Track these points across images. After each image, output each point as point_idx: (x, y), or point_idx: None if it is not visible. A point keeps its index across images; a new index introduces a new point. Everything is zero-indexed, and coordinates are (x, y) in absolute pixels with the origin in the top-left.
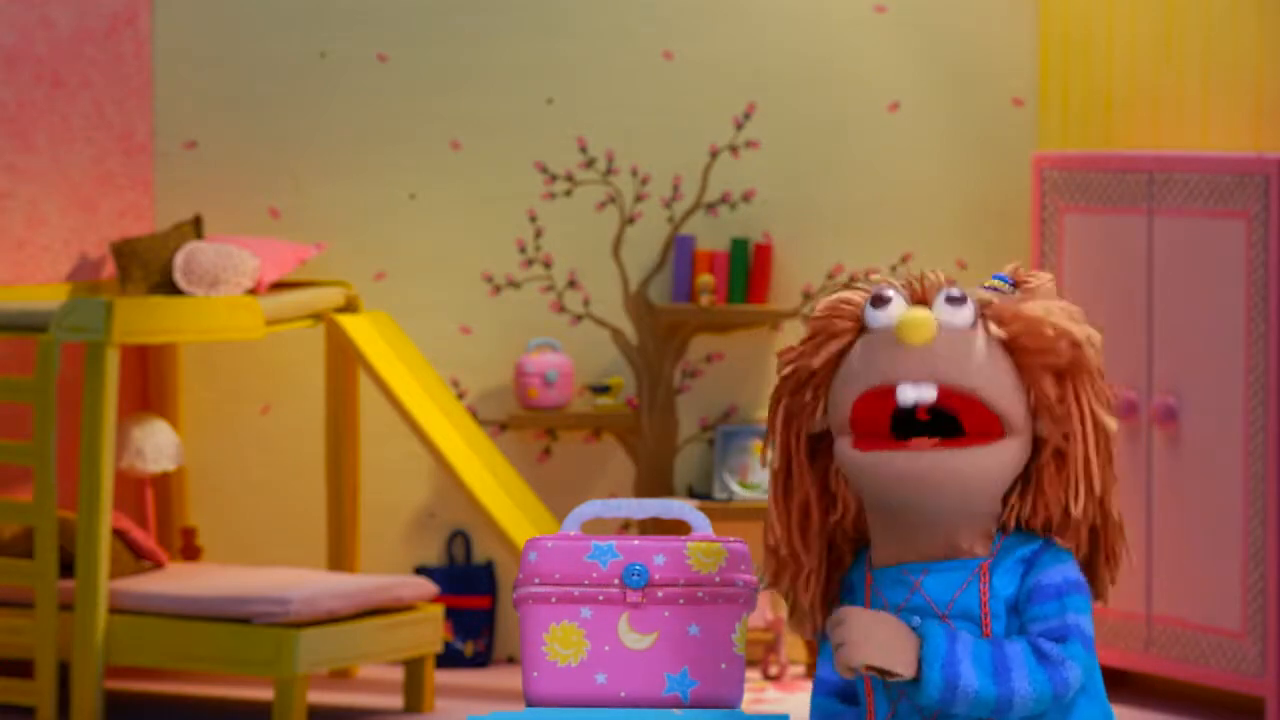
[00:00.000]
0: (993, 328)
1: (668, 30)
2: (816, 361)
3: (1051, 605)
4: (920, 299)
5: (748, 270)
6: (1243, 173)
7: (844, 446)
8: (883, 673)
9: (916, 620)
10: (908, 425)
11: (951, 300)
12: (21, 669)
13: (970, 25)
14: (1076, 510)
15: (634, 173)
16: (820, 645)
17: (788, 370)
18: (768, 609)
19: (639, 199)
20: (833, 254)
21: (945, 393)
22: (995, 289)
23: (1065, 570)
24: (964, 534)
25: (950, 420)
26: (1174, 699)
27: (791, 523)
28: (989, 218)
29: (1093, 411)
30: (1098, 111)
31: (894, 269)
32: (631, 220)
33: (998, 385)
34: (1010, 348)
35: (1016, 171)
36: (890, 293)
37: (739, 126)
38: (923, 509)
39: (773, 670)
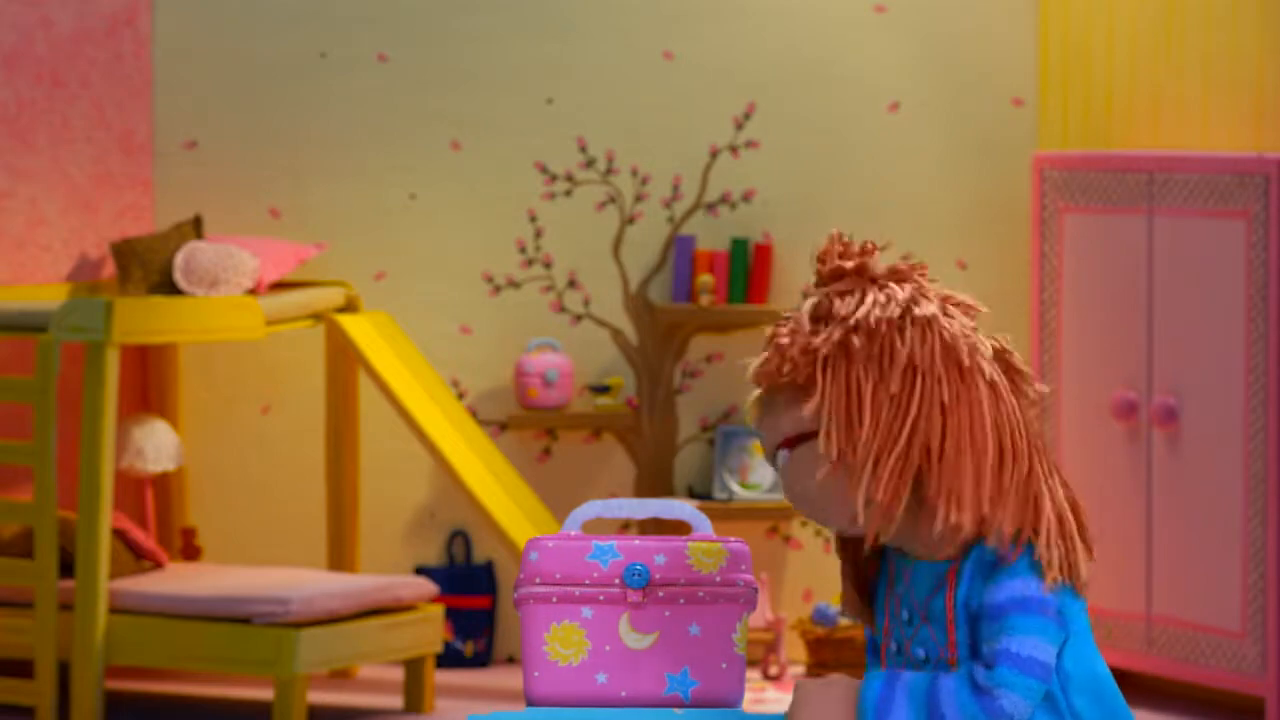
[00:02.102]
0: (756, 375)
1: (668, 30)
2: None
3: (991, 627)
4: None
5: (748, 270)
6: (1243, 173)
7: None
8: None
9: (906, 614)
10: None
11: (754, 376)
12: (21, 669)
13: (970, 25)
14: (820, 470)
15: (634, 173)
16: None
17: None
18: (768, 609)
19: (639, 199)
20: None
21: (787, 443)
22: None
23: (1014, 586)
24: (920, 538)
25: None
26: (1174, 699)
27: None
28: (989, 218)
29: (829, 363)
30: (1098, 111)
31: None
32: (631, 220)
33: (791, 420)
34: (782, 381)
35: (1016, 171)
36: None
37: (739, 126)
38: (814, 516)
39: (773, 670)
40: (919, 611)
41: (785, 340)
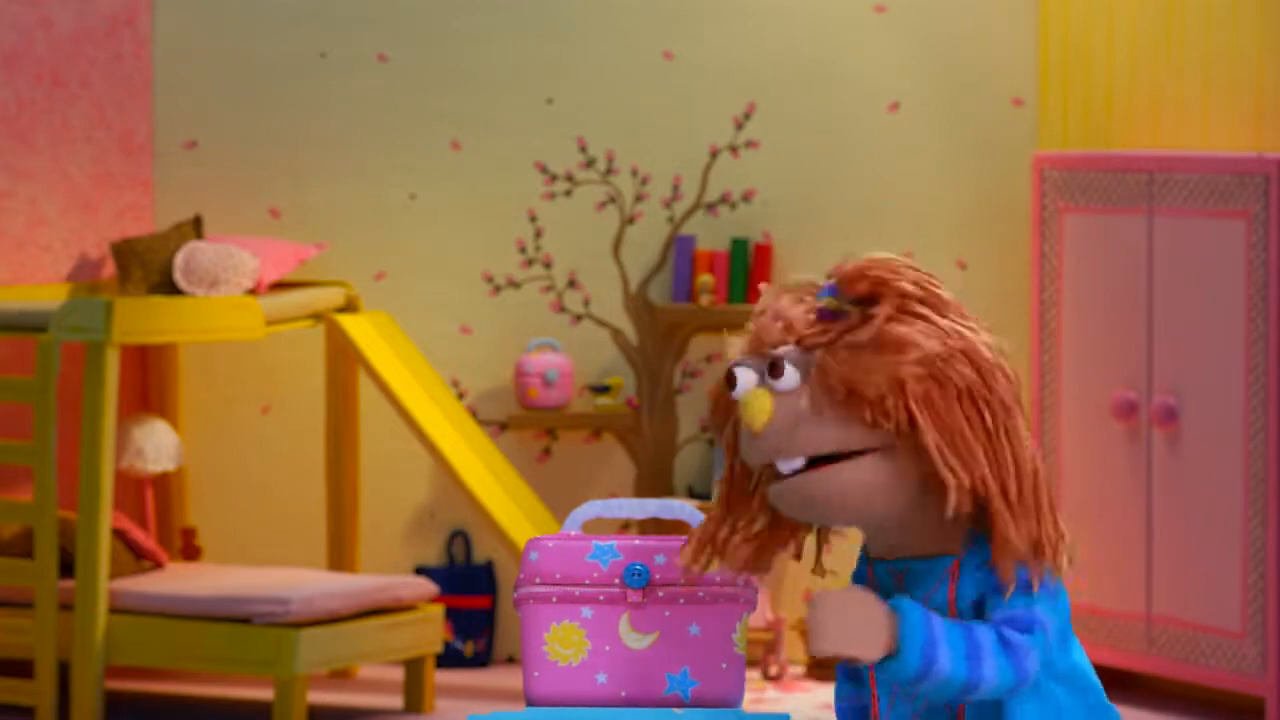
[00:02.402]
0: (822, 382)
1: (668, 30)
2: (722, 442)
3: (1017, 599)
4: (763, 353)
5: (748, 270)
6: (1243, 173)
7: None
8: (851, 660)
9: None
10: None
11: (773, 371)
12: (21, 669)
13: (970, 25)
14: (949, 505)
15: (634, 173)
16: (837, 673)
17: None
18: (768, 609)
19: (639, 199)
20: (833, 254)
21: (806, 455)
22: (827, 311)
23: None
24: (930, 535)
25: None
26: (1174, 699)
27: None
28: (989, 218)
29: (926, 400)
30: (1098, 111)
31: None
32: (631, 220)
33: (844, 435)
34: (846, 392)
35: (1016, 171)
36: (737, 371)
37: (739, 126)
38: (836, 523)
39: (773, 670)
40: None
41: (843, 351)
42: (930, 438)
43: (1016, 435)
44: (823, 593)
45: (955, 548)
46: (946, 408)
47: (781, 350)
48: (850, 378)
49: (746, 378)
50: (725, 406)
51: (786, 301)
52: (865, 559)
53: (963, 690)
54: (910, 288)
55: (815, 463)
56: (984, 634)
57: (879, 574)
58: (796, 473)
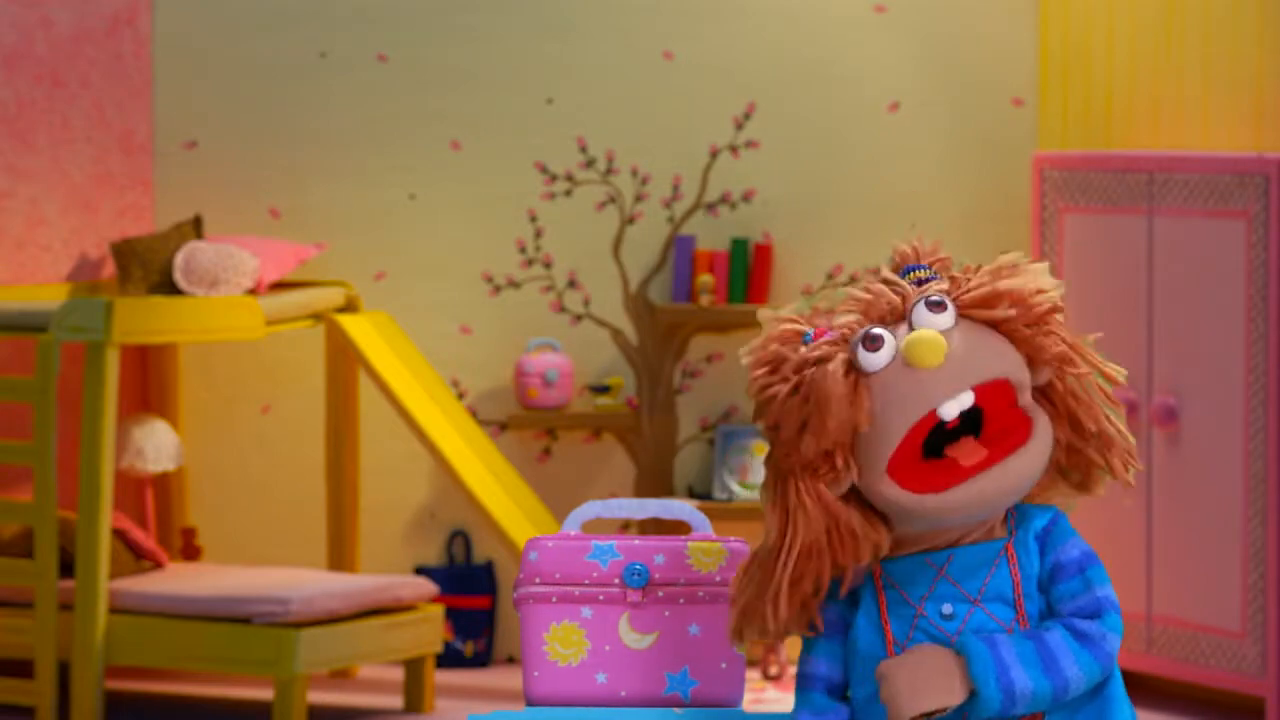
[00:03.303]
0: (979, 312)
1: (668, 30)
2: (840, 435)
3: (1076, 582)
4: (889, 318)
5: (748, 270)
6: (1243, 173)
7: (889, 491)
8: (935, 712)
9: (949, 608)
10: (940, 437)
11: (933, 307)
12: (21, 669)
13: (970, 25)
14: (1090, 441)
15: (634, 173)
16: (807, 641)
17: (823, 442)
18: None
19: (639, 199)
20: (833, 254)
21: (978, 390)
22: (923, 280)
23: (1078, 544)
24: (994, 517)
25: (975, 411)
26: (1174, 699)
27: (804, 597)
28: (989, 218)
29: (1071, 343)
30: (1098, 111)
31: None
32: (631, 220)
33: (1010, 360)
34: (998, 325)
35: (1016, 171)
36: (877, 331)
37: (739, 126)
38: (978, 518)
39: (773, 670)
40: (972, 599)
41: (1016, 284)
42: (1081, 364)
43: None
44: (888, 662)
45: (1002, 530)
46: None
47: (933, 294)
48: (1010, 298)
49: (888, 334)
50: (859, 397)
51: (870, 285)
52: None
53: (1055, 697)
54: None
55: (966, 424)
56: (1055, 637)
57: (904, 568)
58: (963, 429)
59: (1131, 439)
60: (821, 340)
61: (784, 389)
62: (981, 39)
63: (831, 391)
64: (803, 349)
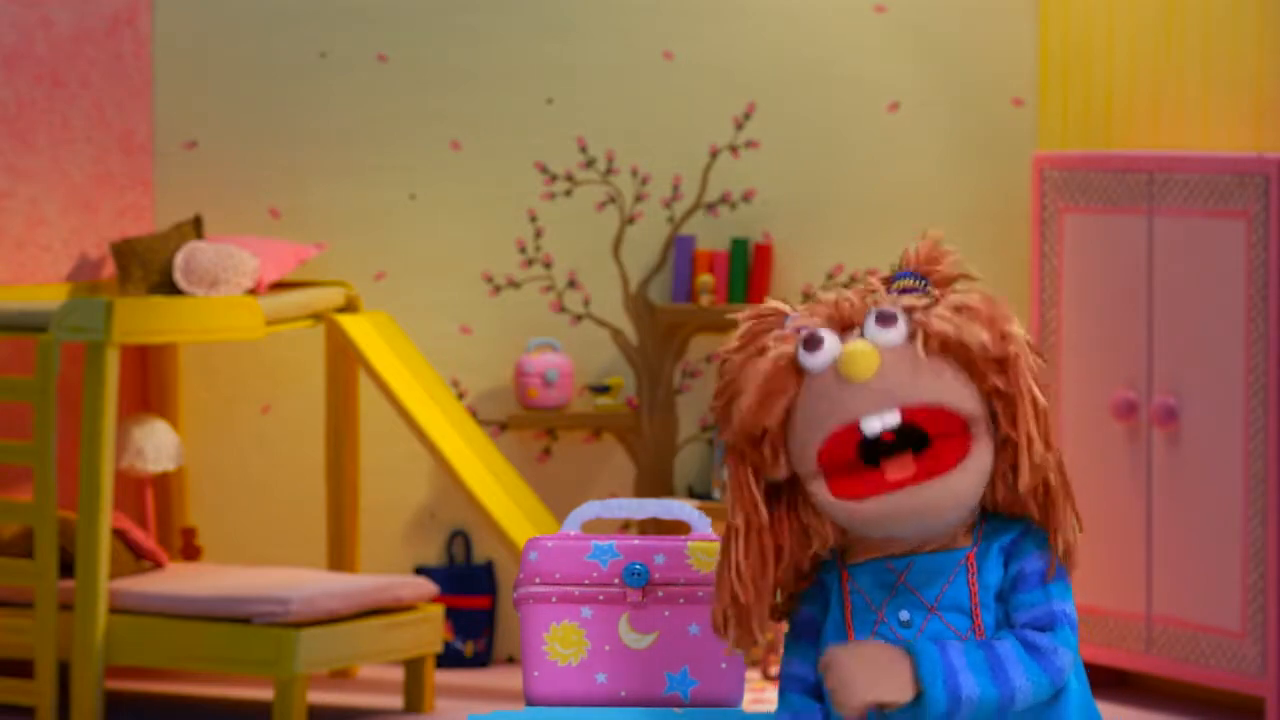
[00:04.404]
0: (928, 334)
1: (668, 30)
2: (770, 421)
3: (1037, 594)
4: (847, 323)
5: (748, 270)
6: (1243, 173)
7: (820, 491)
8: (884, 705)
9: (905, 615)
10: (875, 449)
11: (883, 320)
12: (21, 669)
13: (970, 25)
14: (1024, 485)
15: (634, 173)
16: (787, 641)
17: (738, 424)
18: None
19: (639, 199)
20: (833, 254)
21: (907, 411)
22: (908, 289)
23: (1046, 556)
24: (955, 527)
25: (916, 430)
26: (1174, 699)
27: (757, 575)
28: (989, 218)
29: (1030, 391)
30: (1098, 111)
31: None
32: (631, 220)
33: (953, 391)
34: (950, 349)
35: (1016, 171)
36: (821, 334)
37: (739, 126)
38: (910, 532)
39: (773, 670)
40: (929, 606)
41: (981, 307)
42: (1027, 399)
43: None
44: (835, 650)
45: (966, 539)
46: (1033, 375)
47: (886, 307)
48: (963, 329)
49: (832, 339)
50: (779, 389)
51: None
52: (835, 566)
53: (1001, 706)
54: (975, 271)
55: (905, 441)
56: (1006, 646)
57: (868, 573)
58: (903, 445)
59: (1077, 534)
60: (787, 330)
61: (733, 361)
62: (981, 39)
63: (757, 374)
64: (775, 332)
